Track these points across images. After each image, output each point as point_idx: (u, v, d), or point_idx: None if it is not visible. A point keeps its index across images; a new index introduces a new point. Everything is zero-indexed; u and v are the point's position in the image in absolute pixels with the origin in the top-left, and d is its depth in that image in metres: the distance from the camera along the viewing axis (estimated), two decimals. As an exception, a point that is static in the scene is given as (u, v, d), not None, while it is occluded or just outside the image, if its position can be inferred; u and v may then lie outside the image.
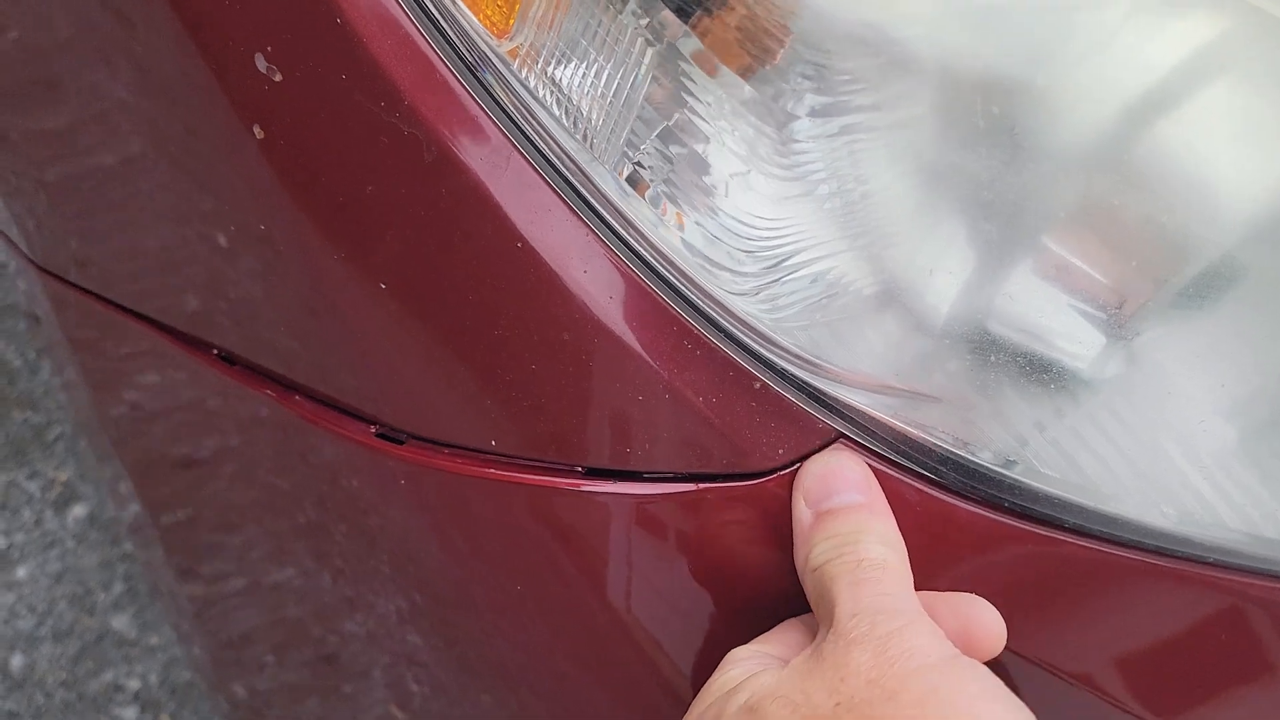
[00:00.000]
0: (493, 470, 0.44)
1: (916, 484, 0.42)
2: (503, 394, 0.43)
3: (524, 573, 0.46)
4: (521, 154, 0.40)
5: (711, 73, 0.37)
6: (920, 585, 0.41)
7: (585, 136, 0.39)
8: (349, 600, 0.59)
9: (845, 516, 0.40)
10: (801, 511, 0.41)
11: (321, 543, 0.57)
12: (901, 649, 0.35)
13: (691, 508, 0.43)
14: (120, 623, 1.63)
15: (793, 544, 0.42)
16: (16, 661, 1.58)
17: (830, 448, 0.42)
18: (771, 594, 0.43)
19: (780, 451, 0.42)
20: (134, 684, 1.58)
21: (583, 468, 0.43)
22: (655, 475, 0.42)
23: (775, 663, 0.39)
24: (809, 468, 0.42)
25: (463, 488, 0.45)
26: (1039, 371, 0.42)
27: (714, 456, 0.42)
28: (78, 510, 1.70)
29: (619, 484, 0.43)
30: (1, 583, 1.63)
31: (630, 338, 0.41)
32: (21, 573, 1.64)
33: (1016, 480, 0.43)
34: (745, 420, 0.41)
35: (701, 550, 0.43)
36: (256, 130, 0.43)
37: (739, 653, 0.40)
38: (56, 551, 1.66)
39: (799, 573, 0.41)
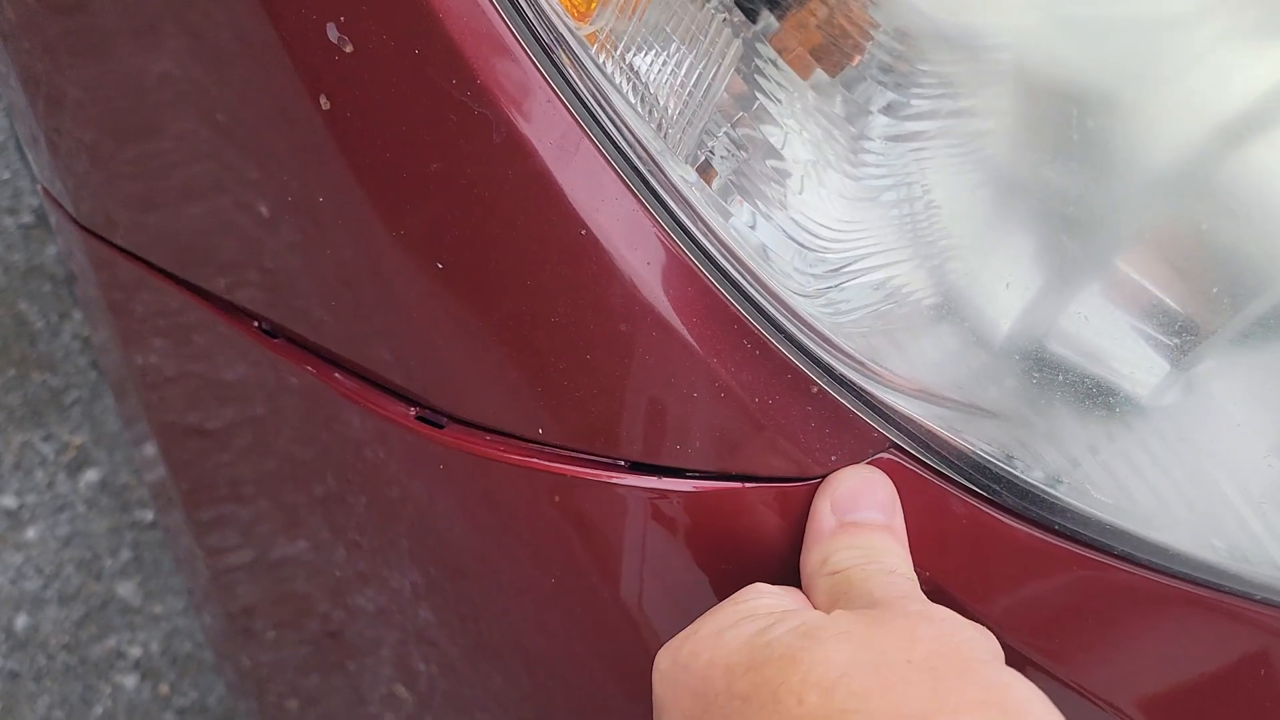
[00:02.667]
0: (536, 460, 0.43)
1: (967, 499, 0.41)
2: (554, 382, 0.42)
3: (559, 563, 0.45)
4: (592, 140, 0.40)
5: (793, 67, 0.37)
6: (965, 603, 0.41)
7: (660, 126, 0.38)
8: (361, 575, 0.58)
9: (872, 532, 0.40)
10: (825, 516, 0.41)
11: (340, 517, 0.57)
12: (964, 638, 0.35)
13: (737, 507, 0.42)
14: (126, 590, 1.63)
15: (804, 543, 0.41)
16: (21, 622, 1.58)
17: (864, 464, 0.41)
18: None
19: (834, 458, 0.41)
20: (135, 651, 1.58)
21: (627, 461, 0.43)
22: (703, 474, 0.42)
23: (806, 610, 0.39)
24: (842, 477, 0.41)
25: (502, 475, 0.44)
26: (1097, 394, 0.42)
27: (766, 459, 0.41)
28: (90, 475, 1.70)
29: (664, 480, 0.42)
30: (11, 543, 1.63)
31: (689, 333, 0.40)
32: (31, 534, 1.64)
33: (1067, 503, 0.42)
34: (800, 424, 0.41)
35: (744, 551, 0.42)
36: (323, 101, 0.42)
37: (765, 587, 0.40)
38: (67, 515, 1.66)
39: (809, 573, 0.41)
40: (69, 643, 1.57)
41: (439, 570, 0.52)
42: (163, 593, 1.61)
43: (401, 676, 0.61)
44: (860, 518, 0.40)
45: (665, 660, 0.37)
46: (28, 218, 1.92)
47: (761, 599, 0.38)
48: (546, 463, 0.43)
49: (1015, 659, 0.42)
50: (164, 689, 1.55)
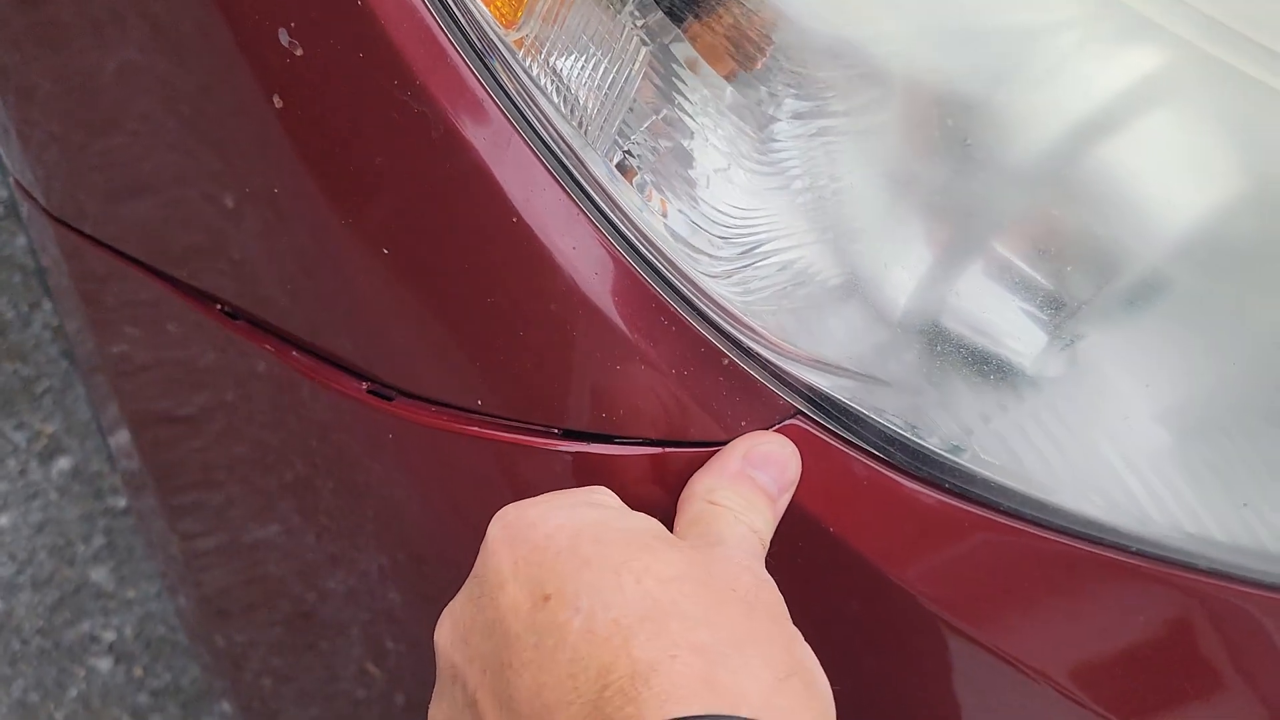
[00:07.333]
0: (475, 428, 0.48)
1: (865, 460, 0.46)
2: (491, 358, 0.46)
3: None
4: (521, 136, 0.44)
5: (699, 74, 0.41)
6: (865, 552, 0.45)
7: (580, 123, 0.42)
8: (332, 557, 0.62)
9: (760, 494, 0.45)
10: (734, 458, 0.45)
11: (308, 499, 0.60)
12: (773, 599, 0.41)
13: (659, 470, 0.46)
14: (99, 575, 1.65)
15: (703, 465, 0.46)
16: (-6, 607, 1.60)
17: (789, 441, 0.46)
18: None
19: (744, 424, 0.45)
20: (109, 636, 1.60)
21: (560, 429, 0.47)
22: (627, 439, 0.46)
23: None
24: (765, 439, 0.46)
25: (447, 444, 0.48)
26: (986, 366, 0.46)
27: (682, 425, 0.45)
28: (62, 463, 1.71)
29: (592, 445, 0.46)
30: (-17, 530, 1.65)
31: (611, 312, 0.45)
32: (3, 521, 1.66)
33: (958, 464, 0.47)
34: (713, 393, 0.45)
35: (667, 511, 0.47)
36: (276, 99, 0.46)
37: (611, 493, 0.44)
38: (39, 502, 1.68)
39: (693, 491, 0.45)
40: (43, 627, 1.59)
41: (404, 552, 0.56)
42: (136, 578, 1.63)
43: (372, 655, 0.64)
44: (760, 479, 0.45)
45: (511, 514, 0.40)
46: (-3, 209, 1.93)
47: (611, 497, 0.43)
48: (485, 430, 0.48)
49: (905, 601, 0.47)
50: (138, 671, 1.58)
